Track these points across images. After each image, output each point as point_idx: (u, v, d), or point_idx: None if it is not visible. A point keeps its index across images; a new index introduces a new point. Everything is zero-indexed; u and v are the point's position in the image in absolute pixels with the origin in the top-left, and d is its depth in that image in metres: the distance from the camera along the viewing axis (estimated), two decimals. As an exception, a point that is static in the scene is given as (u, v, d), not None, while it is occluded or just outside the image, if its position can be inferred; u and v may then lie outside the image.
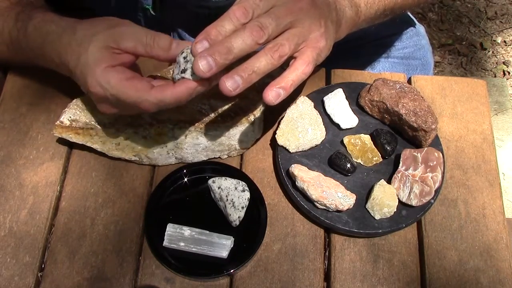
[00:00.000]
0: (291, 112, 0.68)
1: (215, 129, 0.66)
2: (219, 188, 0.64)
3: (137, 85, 0.54)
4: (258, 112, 0.67)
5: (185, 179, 0.68)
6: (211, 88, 0.55)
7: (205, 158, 0.69)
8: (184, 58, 0.52)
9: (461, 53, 1.86)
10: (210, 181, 0.65)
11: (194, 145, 0.67)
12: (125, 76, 0.54)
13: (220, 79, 0.53)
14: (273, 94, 0.52)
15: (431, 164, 0.65)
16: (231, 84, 0.50)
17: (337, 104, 0.71)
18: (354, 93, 0.73)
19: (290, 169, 0.65)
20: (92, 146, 0.67)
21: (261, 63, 0.50)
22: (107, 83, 0.54)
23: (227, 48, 0.49)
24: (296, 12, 0.52)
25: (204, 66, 0.49)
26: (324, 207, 0.64)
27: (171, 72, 0.54)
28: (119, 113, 0.59)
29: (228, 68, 0.51)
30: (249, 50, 0.50)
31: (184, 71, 0.52)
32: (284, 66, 0.55)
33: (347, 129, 0.70)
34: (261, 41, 0.50)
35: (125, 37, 0.55)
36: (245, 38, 0.49)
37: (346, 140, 0.68)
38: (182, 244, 0.62)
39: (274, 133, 0.68)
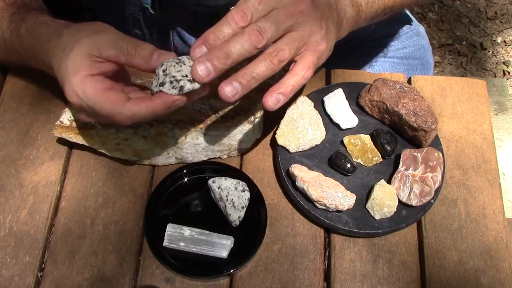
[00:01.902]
0: (291, 112, 0.68)
1: (215, 129, 0.66)
2: (219, 188, 0.64)
3: (112, 97, 0.53)
4: (258, 112, 0.67)
5: (185, 179, 0.68)
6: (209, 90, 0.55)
7: (205, 158, 0.69)
8: (163, 71, 0.51)
9: (461, 53, 1.86)
10: (210, 181, 0.65)
11: (194, 145, 0.67)
12: (102, 86, 0.53)
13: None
14: (273, 100, 0.52)
15: (431, 164, 0.65)
16: (230, 90, 0.49)
17: (337, 104, 0.71)
18: (354, 93, 0.73)
19: (290, 169, 0.65)
20: (92, 146, 0.67)
21: (261, 69, 0.50)
22: (83, 93, 0.53)
23: (225, 53, 0.48)
24: (296, 15, 0.52)
25: (203, 71, 0.48)
26: (324, 207, 0.64)
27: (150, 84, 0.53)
28: (97, 122, 0.58)
29: (225, 73, 0.50)
30: (248, 55, 0.49)
31: (162, 84, 0.51)
32: (285, 67, 0.55)
33: (347, 129, 0.70)
34: (260, 46, 0.49)
35: (107, 46, 0.54)
36: (243, 42, 0.48)
37: (346, 140, 0.68)
38: (182, 244, 0.62)
39: (274, 133, 0.68)
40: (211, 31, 0.50)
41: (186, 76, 0.50)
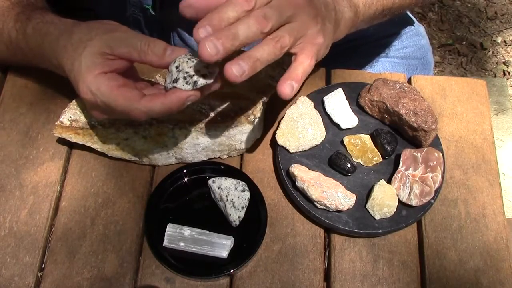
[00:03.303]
0: (291, 112, 0.68)
1: (215, 129, 0.66)
2: (219, 188, 0.64)
3: (127, 94, 0.53)
4: (258, 112, 0.67)
5: (185, 179, 0.68)
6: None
7: (205, 158, 0.69)
8: (177, 67, 0.52)
9: (461, 53, 1.86)
10: (210, 181, 0.65)
11: (194, 145, 0.67)
12: (116, 83, 0.54)
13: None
14: (289, 87, 0.52)
15: (431, 164, 0.65)
16: (237, 69, 0.49)
17: (337, 104, 0.71)
18: (354, 93, 0.73)
19: (290, 169, 0.65)
20: (92, 146, 0.67)
21: (264, 52, 0.50)
22: (98, 90, 0.53)
23: (233, 34, 0.48)
24: (294, 6, 0.53)
25: (212, 49, 0.47)
26: (324, 207, 0.64)
27: (164, 81, 0.54)
28: (111, 118, 0.59)
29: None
30: (254, 39, 0.50)
31: (176, 80, 0.51)
32: (284, 67, 0.55)
33: (347, 129, 0.70)
34: (265, 31, 0.50)
35: (120, 43, 0.54)
36: (250, 25, 0.49)
37: (346, 140, 0.68)
38: (182, 244, 0.62)
39: (274, 133, 0.68)
40: (215, 12, 0.50)
41: (199, 71, 0.51)
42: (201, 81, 0.51)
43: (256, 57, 0.50)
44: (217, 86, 0.55)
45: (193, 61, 0.52)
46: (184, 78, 0.51)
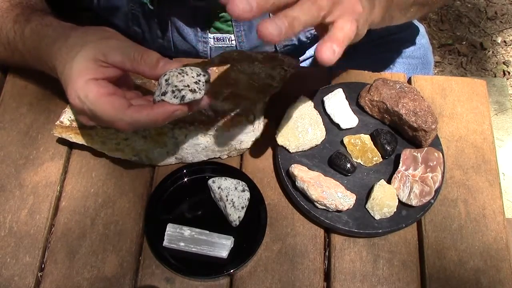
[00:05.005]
0: (291, 112, 0.68)
1: (215, 129, 0.66)
2: (219, 188, 0.64)
3: (114, 103, 0.53)
4: (258, 112, 0.67)
5: (185, 179, 0.68)
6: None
7: (205, 158, 0.69)
8: (166, 80, 0.52)
9: (461, 53, 1.86)
10: (210, 181, 0.65)
11: (194, 145, 0.67)
12: (105, 91, 0.53)
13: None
14: (329, 50, 0.45)
15: (431, 164, 0.65)
16: (274, 28, 0.42)
17: (337, 104, 0.71)
18: (354, 93, 0.73)
19: (290, 169, 0.65)
20: (92, 146, 0.67)
21: (301, 11, 0.44)
22: (85, 97, 0.53)
23: None
24: None
25: (244, 4, 0.42)
26: (324, 207, 0.64)
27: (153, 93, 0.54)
28: (97, 125, 0.58)
29: None
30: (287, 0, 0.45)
31: (164, 93, 0.51)
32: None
33: (347, 129, 0.70)
34: None
35: (114, 51, 0.54)
36: None
37: (346, 140, 0.68)
38: (182, 244, 0.62)
39: (274, 133, 0.68)
40: None
41: (188, 86, 0.51)
42: (189, 96, 0.51)
43: (293, 16, 0.43)
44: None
45: (183, 76, 0.52)
46: (173, 91, 0.51)
